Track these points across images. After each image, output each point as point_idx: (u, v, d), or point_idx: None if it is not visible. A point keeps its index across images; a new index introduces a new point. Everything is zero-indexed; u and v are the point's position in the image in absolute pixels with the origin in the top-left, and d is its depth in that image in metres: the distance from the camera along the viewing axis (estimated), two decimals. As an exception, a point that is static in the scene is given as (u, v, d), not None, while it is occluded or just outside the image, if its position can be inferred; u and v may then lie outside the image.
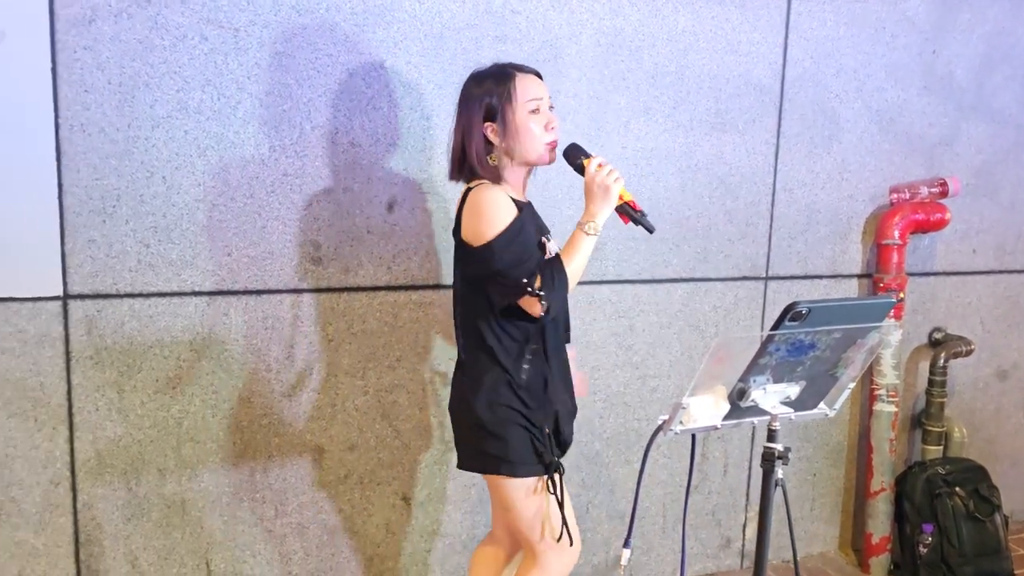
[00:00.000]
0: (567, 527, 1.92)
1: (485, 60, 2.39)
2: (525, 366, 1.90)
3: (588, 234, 1.84)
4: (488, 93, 1.88)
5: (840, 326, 1.49)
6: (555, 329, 1.95)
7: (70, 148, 2.07)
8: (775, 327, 1.44)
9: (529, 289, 1.79)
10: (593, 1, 2.52)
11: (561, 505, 1.90)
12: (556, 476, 1.89)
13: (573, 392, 2.03)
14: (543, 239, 1.90)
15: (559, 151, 1.94)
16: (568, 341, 2.06)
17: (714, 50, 2.69)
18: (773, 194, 2.87)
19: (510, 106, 1.86)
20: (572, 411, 2.02)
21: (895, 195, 3.02)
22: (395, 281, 2.42)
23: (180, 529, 2.31)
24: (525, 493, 1.91)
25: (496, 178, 1.90)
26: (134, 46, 2.09)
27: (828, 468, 3.16)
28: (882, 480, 3.05)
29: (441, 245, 2.43)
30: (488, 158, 1.89)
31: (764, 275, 2.92)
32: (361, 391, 2.43)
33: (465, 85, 1.93)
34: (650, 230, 1.88)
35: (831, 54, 2.87)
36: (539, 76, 1.94)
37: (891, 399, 3.01)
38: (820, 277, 3.01)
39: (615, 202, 1.84)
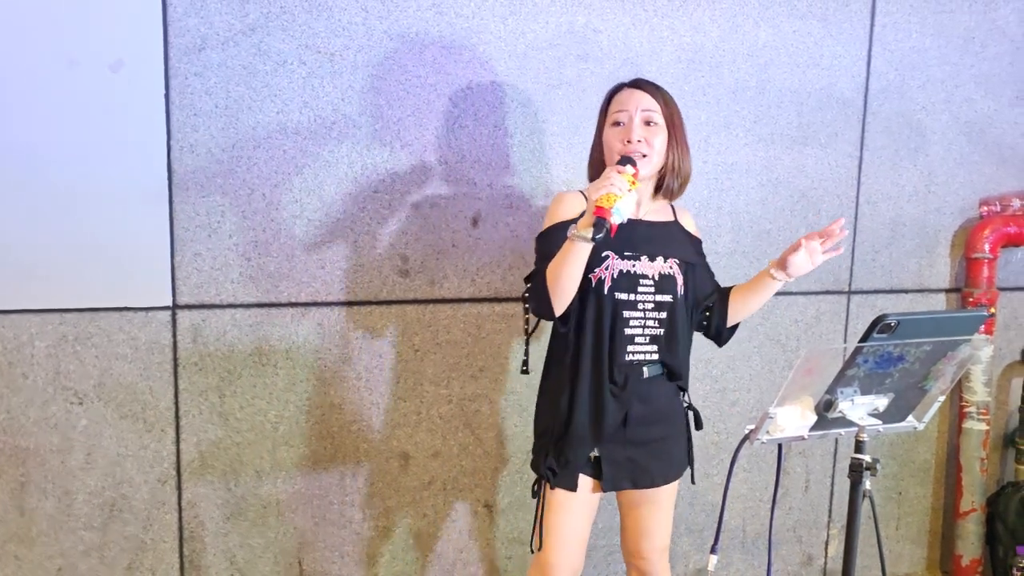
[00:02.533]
0: (538, 537, 1.97)
1: (567, 79, 2.47)
2: (553, 373, 1.99)
3: (567, 237, 1.75)
4: (601, 108, 2.01)
5: (929, 339, 1.48)
6: (595, 344, 1.89)
7: (180, 167, 2.22)
8: (863, 339, 1.45)
9: (527, 284, 1.91)
10: (673, 19, 2.56)
11: (546, 519, 1.96)
12: (547, 486, 1.96)
13: (642, 422, 1.94)
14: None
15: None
16: (667, 374, 1.97)
17: (795, 64, 2.70)
18: (856, 207, 2.85)
19: (603, 118, 1.97)
20: (598, 437, 1.92)
21: (985, 208, 2.96)
22: (479, 293, 2.49)
23: (274, 529, 2.41)
24: (537, 487, 2.01)
25: None
26: (239, 72, 2.22)
27: (914, 487, 3.09)
28: (972, 500, 2.97)
29: (523, 259, 2.50)
30: (599, 167, 1.97)
31: (847, 289, 2.89)
32: (445, 400, 2.51)
33: None
34: (593, 238, 1.69)
35: (917, 65, 2.83)
36: (646, 89, 1.94)
37: (982, 417, 2.93)
38: (906, 291, 2.96)
39: (591, 207, 1.71)
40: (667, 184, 1.98)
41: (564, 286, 1.79)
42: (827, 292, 2.87)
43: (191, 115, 2.21)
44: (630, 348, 1.92)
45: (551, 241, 1.88)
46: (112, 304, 2.21)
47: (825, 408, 1.54)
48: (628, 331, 1.92)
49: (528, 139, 2.47)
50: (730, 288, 2.10)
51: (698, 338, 2.73)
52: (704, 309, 2.07)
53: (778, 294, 2.79)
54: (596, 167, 2.00)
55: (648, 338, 1.94)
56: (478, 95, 2.42)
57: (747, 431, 1.55)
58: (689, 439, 2.08)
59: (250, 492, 2.38)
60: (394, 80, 2.34)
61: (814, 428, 1.58)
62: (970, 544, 2.99)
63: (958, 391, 2.99)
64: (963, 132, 2.92)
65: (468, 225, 2.45)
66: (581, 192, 1.96)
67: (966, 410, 2.95)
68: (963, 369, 1.59)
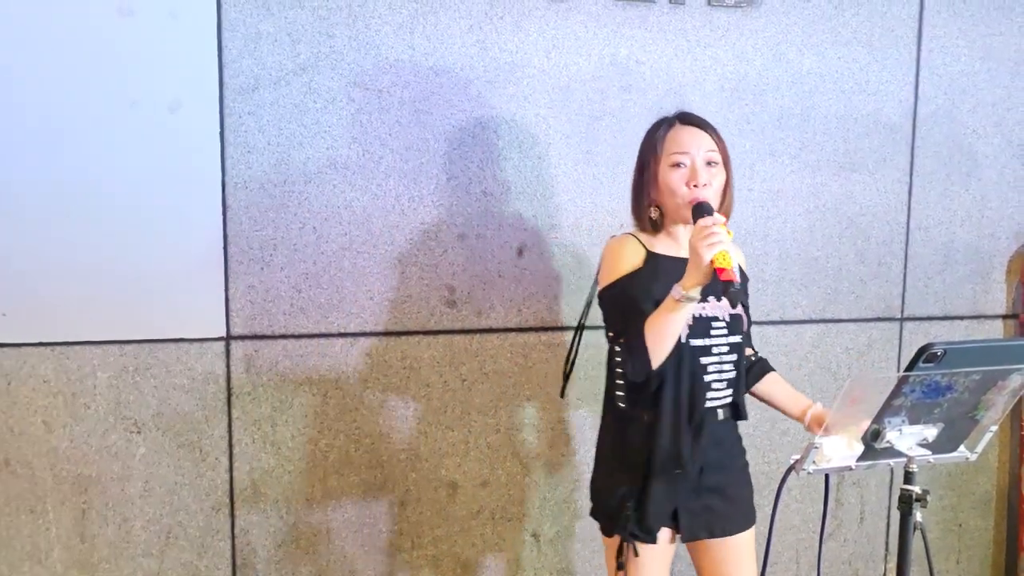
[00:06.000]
0: None
1: (611, 110, 2.50)
2: (622, 429, 1.88)
3: (674, 298, 1.69)
4: (646, 141, 1.89)
5: (978, 368, 1.46)
6: (675, 397, 1.81)
7: (234, 203, 2.29)
8: (909, 368, 1.43)
9: (613, 346, 1.86)
10: (716, 48, 2.57)
11: None
12: (632, 548, 1.84)
13: (717, 468, 1.88)
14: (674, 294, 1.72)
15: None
16: (733, 414, 1.90)
17: (841, 91, 2.68)
18: (907, 233, 2.80)
19: (655, 158, 1.84)
20: (690, 489, 1.85)
21: (1042, 232, 2.89)
22: (525, 323, 2.51)
23: (325, 557, 2.45)
24: (608, 546, 1.93)
25: (650, 227, 1.87)
26: (290, 110, 2.30)
27: (975, 519, 3.00)
28: (1036, 533, 2.87)
29: (568, 288, 2.52)
30: (649, 208, 1.86)
31: (899, 316, 2.84)
32: (493, 429, 2.52)
33: None
34: (732, 304, 1.67)
35: (967, 89, 2.79)
36: (704, 127, 1.85)
37: (1044, 447, 2.84)
38: (960, 318, 2.90)
39: (706, 267, 1.64)
40: None
41: (667, 345, 1.73)
42: (879, 319, 2.82)
43: (245, 152, 2.29)
44: (709, 395, 1.85)
45: (627, 295, 1.82)
46: (170, 336, 2.29)
47: (872, 438, 1.52)
48: (707, 378, 1.84)
49: (572, 170, 2.50)
50: (768, 371, 2.04)
51: (746, 366, 2.71)
52: None
53: (827, 321, 2.78)
54: (647, 204, 1.87)
55: (725, 382, 1.87)
56: (522, 128, 2.46)
57: (792, 461, 1.54)
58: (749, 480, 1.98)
59: (301, 520, 2.42)
60: (440, 114, 2.39)
61: (862, 458, 1.55)
62: (1036, 579, 2.88)
63: (1019, 420, 2.91)
64: (1016, 155, 2.87)
65: (514, 255, 2.49)
66: (631, 235, 1.90)
67: (1028, 440, 2.86)
68: (1015, 398, 1.55)
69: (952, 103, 2.79)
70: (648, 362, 1.73)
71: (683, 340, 1.79)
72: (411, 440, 2.47)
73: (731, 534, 1.91)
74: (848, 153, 2.72)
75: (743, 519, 1.94)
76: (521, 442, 2.55)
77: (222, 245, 2.30)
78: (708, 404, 1.84)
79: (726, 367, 1.86)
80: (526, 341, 2.52)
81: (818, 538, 1.80)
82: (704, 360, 1.83)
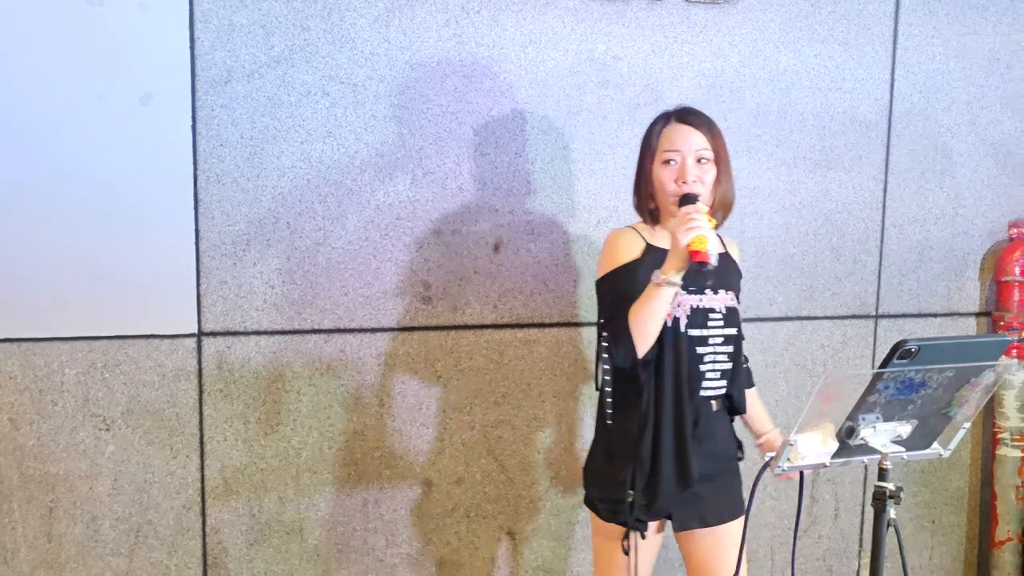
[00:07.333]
0: None
1: (588, 105, 2.49)
2: (623, 419, 1.90)
3: (654, 283, 1.76)
4: (645, 136, 1.95)
5: (952, 364, 1.46)
6: (675, 385, 1.85)
7: (206, 197, 2.26)
8: (883, 365, 1.43)
9: (602, 333, 1.88)
10: (693, 45, 2.57)
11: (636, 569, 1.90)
12: (631, 539, 1.88)
13: (710, 458, 1.91)
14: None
15: None
16: (728, 407, 1.97)
17: (817, 88, 2.69)
18: (882, 230, 2.82)
19: (648, 153, 1.92)
20: (687, 482, 1.87)
21: (1015, 230, 2.91)
22: (501, 320, 2.50)
23: (298, 555, 2.42)
24: (597, 533, 1.98)
25: (648, 218, 1.95)
26: (264, 103, 2.27)
27: (948, 515, 3.03)
28: (1008, 529, 2.89)
29: (545, 285, 2.50)
30: (647, 201, 1.94)
31: (874, 313, 2.85)
32: (468, 426, 2.51)
33: None
34: (703, 283, 1.78)
35: (941, 88, 2.81)
36: (698, 126, 1.89)
37: (1016, 443, 2.86)
38: (935, 315, 2.91)
39: (682, 251, 1.71)
40: (714, 215, 1.90)
41: (650, 330, 1.79)
42: (854, 317, 2.83)
43: (217, 146, 2.25)
44: (704, 384, 1.90)
45: (621, 284, 1.87)
46: (140, 332, 2.25)
47: (847, 435, 1.52)
48: (702, 367, 1.89)
49: (549, 166, 2.48)
50: (749, 386, 2.15)
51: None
52: None
53: (804, 319, 2.78)
54: (644, 200, 1.96)
55: (719, 373, 1.92)
56: (499, 123, 2.44)
57: (767, 458, 1.53)
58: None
59: (273, 518, 2.39)
60: (416, 109, 2.37)
61: (836, 455, 1.55)
62: (1006, 574, 2.91)
63: (991, 417, 2.93)
64: (990, 154, 2.89)
65: (490, 251, 2.47)
66: (632, 228, 1.95)
67: (999, 436, 2.88)
68: (988, 395, 1.56)
69: (927, 101, 2.80)
70: (633, 348, 1.79)
71: (682, 330, 1.85)
72: (385, 438, 2.45)
73: (721, 523, 1.95)
74: (824, 150, 2.72)
75: (732, 508, 1.98)
76: (496, 439, 2.53)
77: (194, 240, 2.26)
78: (703, 393, 1.90)
79: (720, 357, 1.91)
80: (502, 338, 2.50)
81: (793, 534, 1.80)
82: (700, 350, 1.89)
